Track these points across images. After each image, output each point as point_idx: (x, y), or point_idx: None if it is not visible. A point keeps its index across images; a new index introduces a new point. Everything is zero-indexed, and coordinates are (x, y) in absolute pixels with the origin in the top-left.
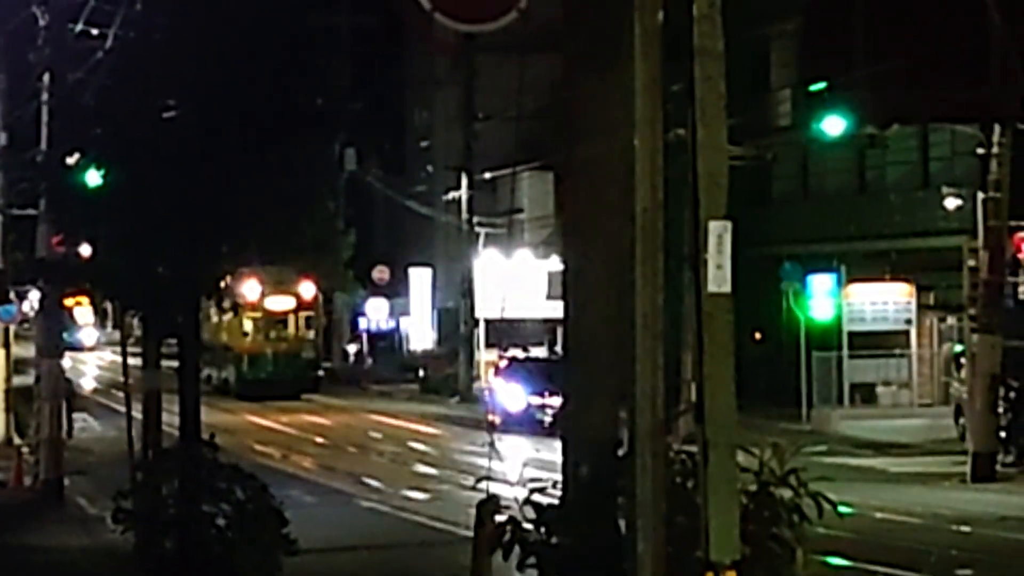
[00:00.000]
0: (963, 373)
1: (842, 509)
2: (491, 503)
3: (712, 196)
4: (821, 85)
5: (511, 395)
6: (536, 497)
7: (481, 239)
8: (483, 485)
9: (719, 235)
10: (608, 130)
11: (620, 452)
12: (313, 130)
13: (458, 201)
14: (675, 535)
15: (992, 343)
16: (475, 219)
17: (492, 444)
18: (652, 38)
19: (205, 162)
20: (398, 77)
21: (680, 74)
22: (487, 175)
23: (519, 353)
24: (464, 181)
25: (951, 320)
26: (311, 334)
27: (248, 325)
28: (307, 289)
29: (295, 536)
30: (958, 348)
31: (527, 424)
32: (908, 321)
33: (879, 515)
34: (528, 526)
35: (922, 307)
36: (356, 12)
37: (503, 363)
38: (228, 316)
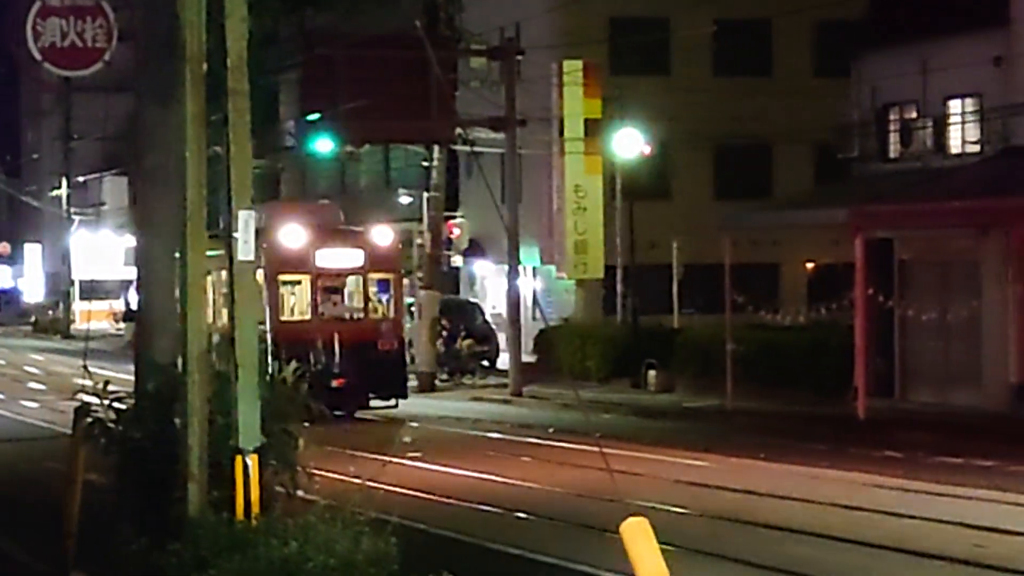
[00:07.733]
0: (415, 317)
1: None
2: (84, 408)
3: (241, 193)
4: (315, 116)
5: None
6: (117, 404)
7: (76, 223)
8: (80, 396)
9: (246, 220)
10: (168, 147)
11: (178, 371)
12: None
13: (60, 197)
14: (215, 430)
15: (433, 297)
16: (72, 209)
17: (86, 367)
18: (198, 81)
19: None
20: (17, 108)
21: (219, 108)
22: (80, 179)
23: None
24: (64, 183)
25: (406, 281)
26: (392, 311)
27: (290, 293)
28: (382, 235)
29: None
30: (410, 300)
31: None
32: None
33: (372, 417)
34: (111, 425)
35: None
36: None
37: None
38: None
